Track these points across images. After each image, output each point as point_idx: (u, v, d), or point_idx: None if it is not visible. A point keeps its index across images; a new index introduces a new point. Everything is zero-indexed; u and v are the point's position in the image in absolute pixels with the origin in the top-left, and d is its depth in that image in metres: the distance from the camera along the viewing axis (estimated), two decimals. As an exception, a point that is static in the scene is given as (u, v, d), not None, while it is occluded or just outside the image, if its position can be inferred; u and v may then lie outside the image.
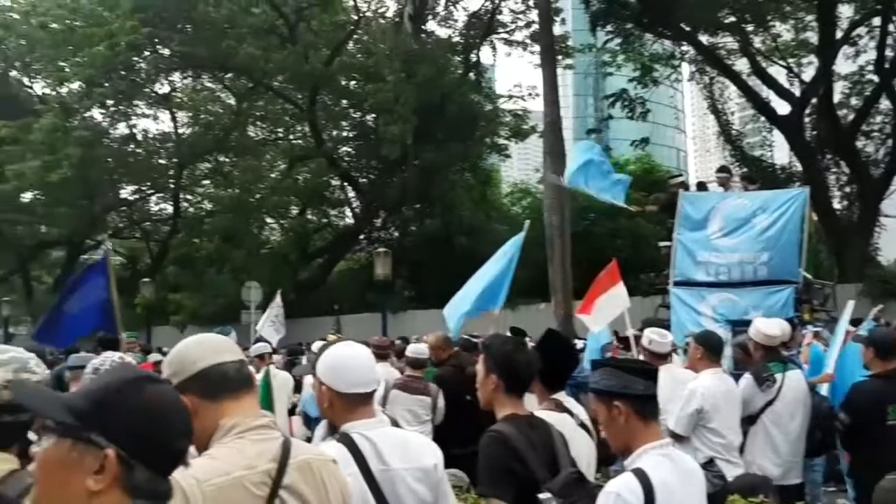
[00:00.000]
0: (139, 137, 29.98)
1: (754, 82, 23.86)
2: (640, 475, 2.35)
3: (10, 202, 25.85)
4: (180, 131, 30.76)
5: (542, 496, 2.49)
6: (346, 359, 2.48)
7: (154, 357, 9.69)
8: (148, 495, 1.33)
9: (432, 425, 5.71)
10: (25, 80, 31.30)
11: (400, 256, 23.71)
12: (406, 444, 2.48)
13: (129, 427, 1.32)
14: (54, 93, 28.16)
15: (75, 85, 26.13)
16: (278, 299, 11.78)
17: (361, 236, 29.95)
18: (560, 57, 24.65)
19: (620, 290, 6.27)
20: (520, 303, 18.34)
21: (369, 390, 2.47)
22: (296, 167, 30.25)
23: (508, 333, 4.58)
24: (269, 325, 11.08)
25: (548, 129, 18.70)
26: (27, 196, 27.46)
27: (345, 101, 28.90)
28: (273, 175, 31.15)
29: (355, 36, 28.29)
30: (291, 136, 31.40)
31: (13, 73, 30.70)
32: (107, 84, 24.74)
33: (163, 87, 29.37)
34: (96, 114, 27.96)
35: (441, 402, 5.87)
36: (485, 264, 7.38)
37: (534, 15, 25.72)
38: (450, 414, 5.92)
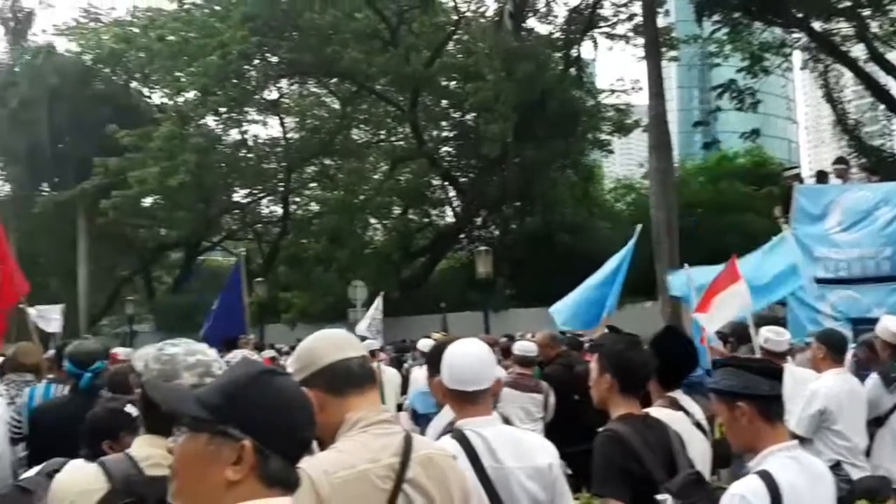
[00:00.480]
0: (250, 143, 31.15)
1: (872, 69, 22.57)
2: (766, 477, 2.28)
3: (132, 207, 27.24)
4: (288, 136, 31.76)
5: (660, 497, 2.46)
6: (461, 356, 2.50)
7: (268, 353, 10.01)
8: (281, 483, 1.38)
9: (543, 423, 5.69)
10: (145, 91, 33.06)
11: (501, 255, 23.71)
12: (520, 442, 2.49)
13: (261, 418, 1.36)
14: (171, 102, 29.64)
15: (191, 94, 27.39)
16: (378, 302, 11.95)
17: (462, 235, 30.10)
18: (664, 49, 24.05)
19: (741, 287, 6.03)
20: (626, 301, 17.99)
21: (481, 388, 2.49)
22: (398, 168, 30.71)
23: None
24: (370, 324, 11.25)
25: (652, 122, 18.28)
26: (148, 201, 28.92)
27: (445, 102, 29.14)
28: (376, 176, 31.75)
29: (455, 36, 28.47)
30: (393, 138, 31.88)
31: (133, 84, 32.47)
32: (219, 92, 25.77)
33: (271, 94, 30.41)
34: (210, 121, 29.23)
35: (552, 399, 5.85)
36: (598, 271, 7.47)
37: (636, 7, 25.21)
38: (558, 413, 5.89)
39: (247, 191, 32.68)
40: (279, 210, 33.26)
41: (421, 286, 27.99)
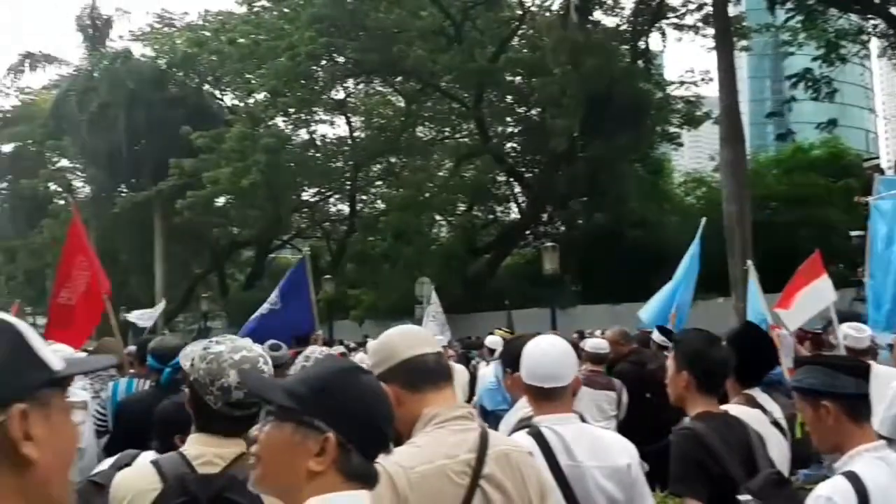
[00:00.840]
0: (318, 142, 31.65)
1: (955, 56, 21.58)
2: (853, 479, 2.21)
3: (206, 206, 27.99)
4: (355, 135, 32.16)
5: (742, 498, 2.41)
6: (541, 352, 2.51)
7: (337, 349, 10.17)
8: (360, 478, 1.41)
9: (617, 421, 5.64)
10: (217, 93, 33.94)
11: (567, 251, 23.50)
12: (599, 441, 2.47)
13: (345, 413, 1.40)
14: (242, 104, 30.34)
15: (261, 95, 28.00)
16: (434, 297, 11.95)
17: (528, 231, 29.98)
18: (735, 38, 23.44)
19: (825, 282, 5.84)
20: (698, 298, 17.64)
21: (560, 385, 2.48)
22: (462, 165, 30.76)
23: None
24: (431, 321, 11.28)
25: (723, 114, 17.89)
26: (220, 200, 29.69)
27: (510, 97, 29.04)
28: (441, 173, 31.87)
29: (520, 31, 28.34)
30: (458, 135, 31.95)
31: (206, 87, 33.35)
32: (288, 93, 26.25)
33: (338, 94, 30.81)
34: (279, 121, 29.82)
35: (625, 397, 5.79)
36: (677, 271, 7.46)
37: (706, -3, 24.64)
38: (629, 411, 5.83)
39: (315, 189, 33.24)
40: (346, 208, 33.72)
41: (486, 283, 27.99)
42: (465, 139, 31.21)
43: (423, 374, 2.02)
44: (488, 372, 7.17)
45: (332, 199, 34.83)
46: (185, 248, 33.74)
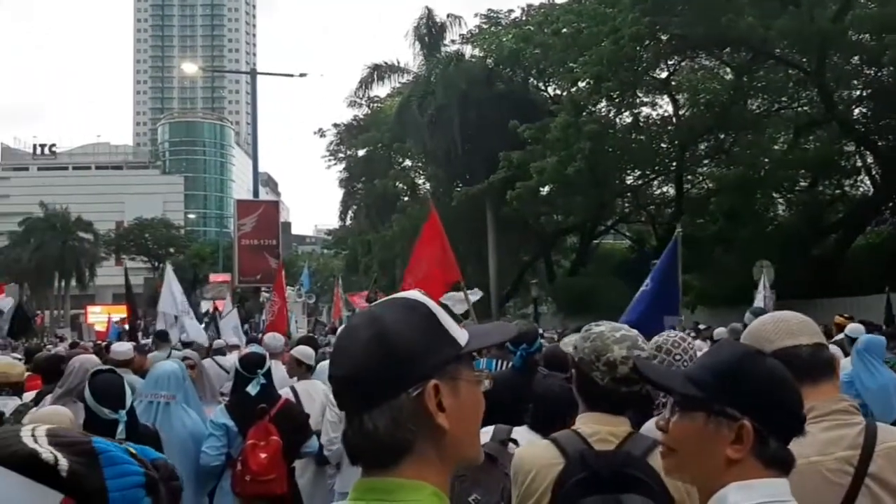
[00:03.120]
0: (641, 124, 31.19)
1: None
2: None
3: (532, 196, 29.03)
4: (680, 113, 31.14)
5: None
6: None
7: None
8: (778, 464, 1.38)
9: None
10: (540, 85, 35.04)
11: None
12: None
13: (757, 398, 1.38)
14: (565, 93, 30.93)
15: (583, 83, 28.32)
16: (764, 279, 10.90)
17: (884, 207, 26.67)
18: None
19: None
20: None
21: None
22: (802, 136, 28.24)
23: None
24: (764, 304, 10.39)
25: None
26: (544, 189, 30.64)
27: (856, 59, 25.96)
28: (776, 147, 29.56)
29: (867, -16, 25.15)
30: (795, 104, 29.37)
31: (530, 80, 34.59)
32: (611, 78, 26.21)
33: (661, 73, 30.05)
34: (602, 107, 29.91)
35: None
36: None
37: None
38: None
39: (638, 173, 32.83)
40: (672, 190, 32.80)
41: (833, 265, 25.41)
42: (805, 108, 28.60)
43: (795, 367, 1.94)
44: (846, 364, 6.56)
45: (655, 182, 34.11)
46: (514, 237, 35.39)
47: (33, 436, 0.89)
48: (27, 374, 6.15)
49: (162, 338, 10.57)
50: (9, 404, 5.11)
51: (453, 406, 1.15)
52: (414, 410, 1.13)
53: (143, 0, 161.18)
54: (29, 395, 5.55)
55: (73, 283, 64.90)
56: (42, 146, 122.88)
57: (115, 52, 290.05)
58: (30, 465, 0.86)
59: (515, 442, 2.77)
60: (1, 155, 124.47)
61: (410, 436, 1.13)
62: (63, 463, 0.87)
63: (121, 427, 3.40)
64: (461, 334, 1.21)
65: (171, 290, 12.14)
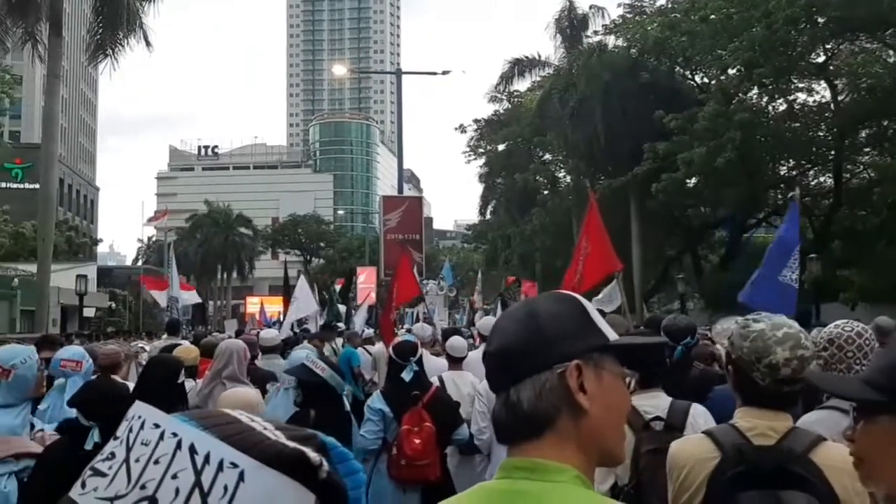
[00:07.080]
0: (796, 112, 29.55)
1: None
2: None
3: (679, 188, 28.16)
4: (838, 99, 29.24)
5: None
6: None
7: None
8: None
9: None
10: (687, 74, 33.85)
11: None
12: None
13: None
14: (714, 81, 29.75)
15: (733, 70, 27.15)
16: None
17: None
18: None
19: None
20: None
21: None
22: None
23: None
24: None
25: None
26: (691, 181, 29.61)
27: None
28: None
29: None
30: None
31: (676, 69, 33.48)
32: (764, 64, 25.00)
33: (818, 58, 28.34)
34: (753, 95, 28.56)
35: None
36: None
37: None
38: None
39: (793, 162, 31.11)
40: (829, 180, 30.87)
41: None
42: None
43: None
44: None
45: (811, 172, 32.19)
46: (659, 231, 34.43)
47: (274, 433, 0.80)
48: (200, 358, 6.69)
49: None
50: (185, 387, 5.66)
51: (595, 391, 1.22)
52: (556, 386, 1.21)
53: (295, 7, 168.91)
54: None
55: (234, 275, 69.01)
56: (206, 147, 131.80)
57: (269, 57, 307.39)
58: (295, 467, 0.78)
59: None
60: (169, 156, 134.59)
61: (553, 410, 1.21)
62: (325, 464, 0.80)
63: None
64: (610, 331, 1.30)
65: (307, 293, 14.98)
